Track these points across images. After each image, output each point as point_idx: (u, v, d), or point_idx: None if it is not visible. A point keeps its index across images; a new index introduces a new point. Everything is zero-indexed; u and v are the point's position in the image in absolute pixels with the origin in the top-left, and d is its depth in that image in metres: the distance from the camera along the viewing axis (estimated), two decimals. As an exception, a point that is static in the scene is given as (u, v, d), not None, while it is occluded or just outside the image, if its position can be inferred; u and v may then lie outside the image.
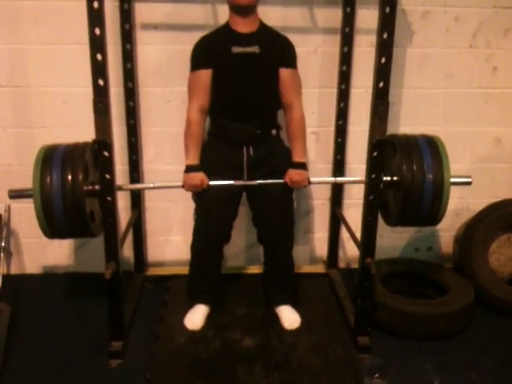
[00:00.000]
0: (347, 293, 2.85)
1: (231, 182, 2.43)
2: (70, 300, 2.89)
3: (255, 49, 2.32)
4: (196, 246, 2.60)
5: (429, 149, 2.34)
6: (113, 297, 2.37)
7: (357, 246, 2.53)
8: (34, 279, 3.08)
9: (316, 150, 3.02)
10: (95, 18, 1.98)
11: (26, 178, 2.90)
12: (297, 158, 2.46)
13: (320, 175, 3.04)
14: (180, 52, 2.74)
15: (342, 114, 2.89)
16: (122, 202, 2.88)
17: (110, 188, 2.22)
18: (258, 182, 2.45)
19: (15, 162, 2.91)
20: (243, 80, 2.37)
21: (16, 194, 2.28)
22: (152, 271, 3.14)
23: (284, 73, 2.39)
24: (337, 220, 3.04)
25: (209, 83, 2.36)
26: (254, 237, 2.70)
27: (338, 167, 2.97)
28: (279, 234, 2.56)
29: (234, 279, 3.06)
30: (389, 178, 2.37)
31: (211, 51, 2.33)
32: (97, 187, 2.27)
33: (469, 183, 2.43)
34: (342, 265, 3.26)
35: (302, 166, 2.46)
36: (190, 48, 2.68)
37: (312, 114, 2.94)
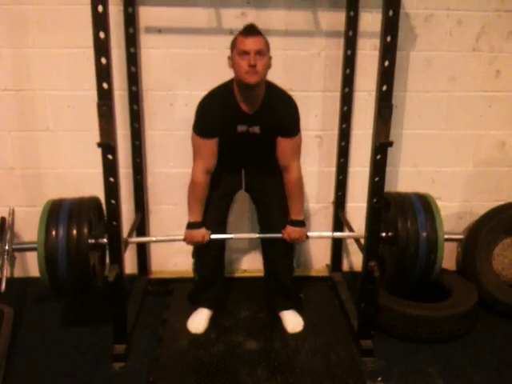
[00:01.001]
0: (350, 296, 2.85)
1: (232, 235, 2.57)
2: (73, 303, 2.88)
3: (256, 129, 2.34)
4: (196, 269, 2.66)
5: (422, 206, 2.45)
6: (116, 300, 2.37)
7: (360, 249, 2.52)
8: (37, 282, 3.04)
9: (319, 154, 3.02)
10: (99, 21, 1.99)
11: (29, 182, 2.94)
12: (294, 217, 2.49)
13: (323, 178, 3.06)
14: (184, 55, 2.75)
15: (346, 118, 2.89)
16: (126, 204, 2.89)
17: (114, 190, 2.23)
18: (258, 235, 2.56)
19: (19, 165, 2.92)
20: (243, 149, 2.42)
21: (20, 247, 2.35)
22: (155, 274, 3.15)
23: (281, 142, 2.38)
24: (340, 223, 3.04)
25: (216, 149, 2.38)
26: (257, 240, 2.70)
27: (342, 171, 2.98)
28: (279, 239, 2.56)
29: (237, 282, 3.07)
30: (384, 234, 2.45)
31: (219, 126, 2.32)
32: (100, 240, 2.35)
33: (461, 240, 2.58)
34: (345, 268, 3.26)
35: (300, 224, 2.50)
36: (193, 52, 2.72)
37: (315, 118, 2.94)
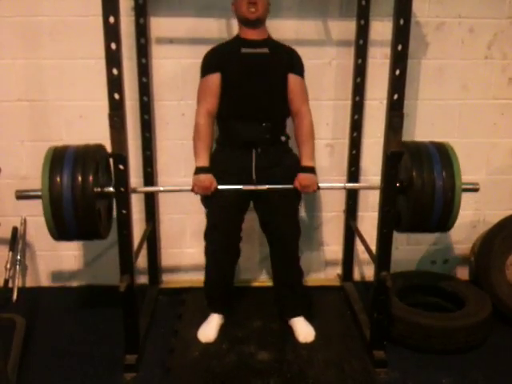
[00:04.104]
0: (363, 306, 2.83)
1: (240, 186, 2.42)
2: (84, 313, 2.89)
3: (265, 50, 2.40)
4: (208, 258, 2.62)
5: (438, 154, 2.34)
6: (127, 310, 2.37)
7: (372, 258, 2.51)
8: (49, 292, 3.10)
9: (330, 162, 3.02)
10: (111, 32, 2.00)
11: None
12: (305, 162, 2.46)
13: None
14: (195, 66, 2.75)
15: (357, 126, 2.89)
16: (137, 214, 2.89)
17: (125, 201, 2.23)
18: (268, 186, 2.43)
19: (32, 175, 2.93)
20: (252, 80, 2.40)
21: (23, 195, 2.26)
22: (166, 284, 3.15)
23: (293, 78, 2.43)
24: (351, 232, 3.03)
25: (217, 87, 2.40)
26: (268, 249, 2.69)
27: (353, 179, 2.96)
28: (284, 241, 2.57)
29: (248, 292, 3.06)
30: (398, 184, 2.34)
31: (220, 56, 2.41)
32: (106, 189, 2.29)
33: (477, 189, 2.40)
34: (356, 278, 3.24)
35: (311, 170, 2.47)
36: (204, 61, 2.71)
37: (326, 126, 2.94)
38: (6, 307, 2.81)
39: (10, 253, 2.94)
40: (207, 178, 2.40)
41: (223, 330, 2.64)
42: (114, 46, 2.01)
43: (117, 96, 2.07)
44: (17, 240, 2.97)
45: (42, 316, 2.84)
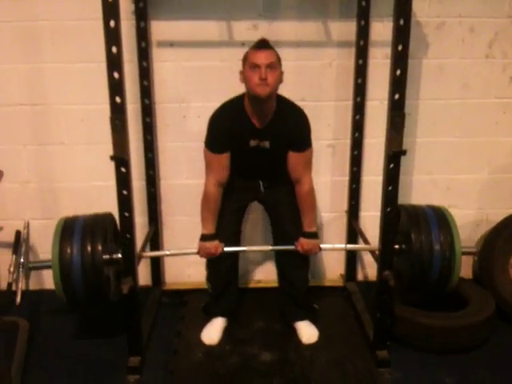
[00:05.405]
0: (366, 306, 2.83)
1: (245, 248, 2.60)
2: (88, 315, 2.89)
3: (266, 144, 2.36)
4: (210, 280, 2.67)
5: (436, 218, 2.44)
6: (130, 312, 2.38)
7: (374, 258, 2.51)
8: (52, 295, 3.06)
9: (332, 163, 3.02)
10: (112, 36, 2.01)
11: (44, 196, 2.96)
12: (307, 229, 2.49)
13: (336, 188, 3.05)
14: (196, 68, 2.77)
15: (358, 127, 2.89)
16: (140, 217, 2.89)
17: (127, 203, 2.24)
18: (271, 248, 2.56)
19: (34, 178, 2.95)
20: (255, 163, 2.43)
21: (34, 266, 2.46)
22: (169, 286, 3.15)
23: (292, 156, 2.40)
24: (354, 232, 3.03)
25: (227, 163, 2.40)
26: (271, 251, 2.70)
27: (355, 180, 2.96)
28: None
29: (251, 293, 3.06)
30: (397, 246, 2.44)
31: (230, 141, 2.35)
32: (115, 256, 2.35)
33: (475, 253, 2.60)
34: (359, 278, 3.24)
35: (313, 236, 2.50)
36: (205, 64, 2.73)
37: (328, 127, 2.94)
38: (10, 310, 2.81)
39: (14, 256, 2.95)
40: (213, 246, 2.46)
41: (226, 332, 2.64)
42: (114, 49, 2.02)
43: (118, 99, 2.07)
44: (20, 243, 2.98)
45: (45, 319, 2.84)
